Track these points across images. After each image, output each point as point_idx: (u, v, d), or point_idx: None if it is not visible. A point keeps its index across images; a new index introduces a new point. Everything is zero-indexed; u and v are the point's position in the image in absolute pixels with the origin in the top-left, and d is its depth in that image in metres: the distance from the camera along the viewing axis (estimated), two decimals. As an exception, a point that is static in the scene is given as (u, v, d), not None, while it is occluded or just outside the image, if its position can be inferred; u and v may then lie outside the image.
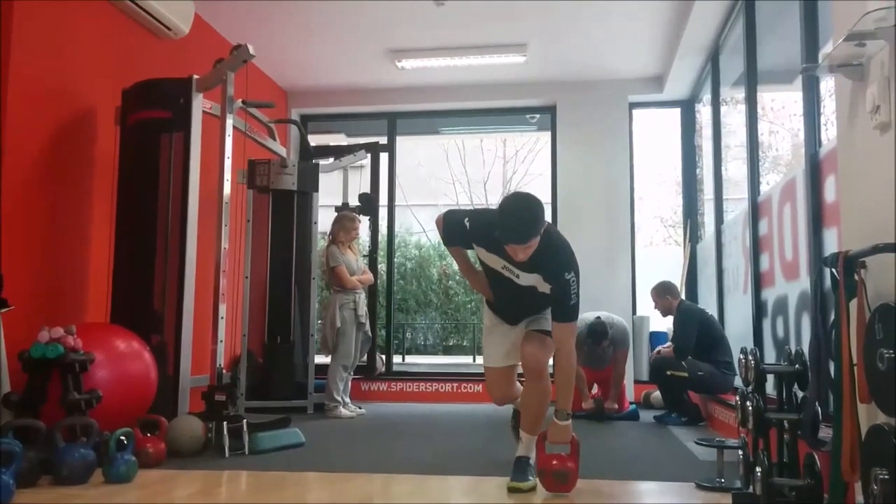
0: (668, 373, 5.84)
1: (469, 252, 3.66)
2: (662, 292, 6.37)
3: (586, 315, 6.07)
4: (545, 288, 3.37)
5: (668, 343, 6.67)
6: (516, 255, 3.23)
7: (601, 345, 6.06)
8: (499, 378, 3.83)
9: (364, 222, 7.09)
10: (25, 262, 4.52)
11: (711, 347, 5.87)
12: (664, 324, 6.66)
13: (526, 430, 3.59)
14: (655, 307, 6.58)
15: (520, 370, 3.76)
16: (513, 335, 3.71)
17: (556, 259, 3.33)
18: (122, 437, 3.60)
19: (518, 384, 3.91)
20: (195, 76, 5.09)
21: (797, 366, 2.85)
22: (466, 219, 3.50)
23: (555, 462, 3.36)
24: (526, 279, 3.40)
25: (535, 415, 3.59)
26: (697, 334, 5.91)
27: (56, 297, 4.84)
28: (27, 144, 4.60)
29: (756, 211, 5.26)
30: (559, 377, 3.42)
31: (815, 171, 3.91)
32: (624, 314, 7.75)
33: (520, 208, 3.20)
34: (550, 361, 3.65)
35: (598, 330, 6.07)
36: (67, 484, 3.46)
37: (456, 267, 17.77)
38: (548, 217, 3.37)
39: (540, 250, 3.24)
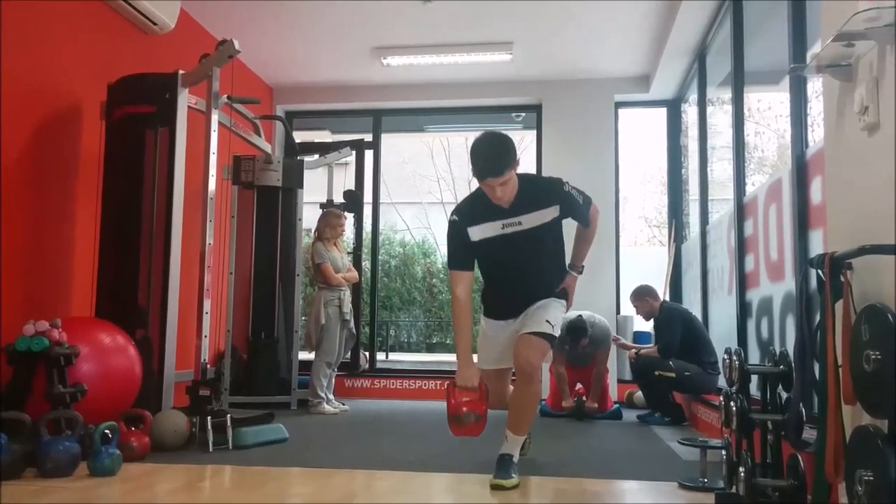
0: (657, 373, 5.82)
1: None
2: (642, 295, 6.34)
3: (567, 314, 5.98)
4: (552, 215, 3.51)
5: (652, 345, 6.67)
6: (495, 195, 3.37)
7: (580, 343, 5.94)
8: (491, 379, 3.80)
9: (349, 219, 7.08)
10: (10, 256, 4.48)
11: (696, 348, 5.89)
12: (648, 324, 6.63)
13: (512, 430, 3.60)
14: (637, 312, 6.54)
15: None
16: (506, 339, 3.74)
17: (546, 184, 3.65)
18: (107, 431, 3.61)
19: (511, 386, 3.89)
20: (181, 71, 5.06)
21: (781, 367, 2.86)
22: (451, 217, 3.60)
23: (465, 409, 3.50)
24: (529, 220, 3.51)
25: (522, 416, 3.61)
26: (682, 334, 5.93)
27: (41, 291, 4.80)
28: (12, 139, 4.55)
29: (741, 211, 5.28)
30: (582, 239, 3.89)
31: (801, 172, 3.93)
32: (608, 314, 7.76)
33: (487, 143, 3.39)
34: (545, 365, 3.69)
35: (577, 327, 5.98)
36: (52, 477, 3.45)
37: (440, 265, 17.85)
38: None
39: (526, 188, 3.48)
